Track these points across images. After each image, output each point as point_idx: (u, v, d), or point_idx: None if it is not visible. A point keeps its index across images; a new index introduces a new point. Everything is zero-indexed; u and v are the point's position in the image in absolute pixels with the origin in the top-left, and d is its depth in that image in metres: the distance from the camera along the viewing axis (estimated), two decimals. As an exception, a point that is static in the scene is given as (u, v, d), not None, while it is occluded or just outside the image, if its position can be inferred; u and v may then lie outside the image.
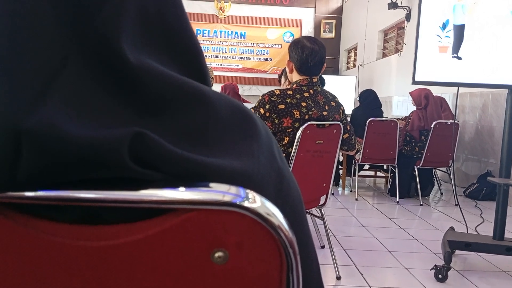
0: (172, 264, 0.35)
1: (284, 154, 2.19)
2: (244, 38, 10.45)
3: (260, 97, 2.20)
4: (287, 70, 2.26)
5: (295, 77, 2.24)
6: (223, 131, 0.41)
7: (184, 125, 0.39)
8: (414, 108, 4.41)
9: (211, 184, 0.35)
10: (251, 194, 0.36)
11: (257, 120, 0.45)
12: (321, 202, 2.48)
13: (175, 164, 0.36)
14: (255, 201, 0.35)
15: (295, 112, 2.14)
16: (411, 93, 4.46)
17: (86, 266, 0.35)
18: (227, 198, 0.34)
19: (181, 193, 0.34)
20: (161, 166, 0.36)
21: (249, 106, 6.35)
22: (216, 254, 0.35)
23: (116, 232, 0.36)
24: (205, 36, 10.41)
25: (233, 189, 0.35)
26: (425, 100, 4.31)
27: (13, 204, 0.35)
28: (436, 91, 4.48)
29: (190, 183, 0.35)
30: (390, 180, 4.71)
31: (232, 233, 0.35)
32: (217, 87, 8.36)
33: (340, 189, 4.91)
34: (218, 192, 0.35)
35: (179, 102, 0.39)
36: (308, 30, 10.45)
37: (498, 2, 2.42)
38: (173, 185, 0.35)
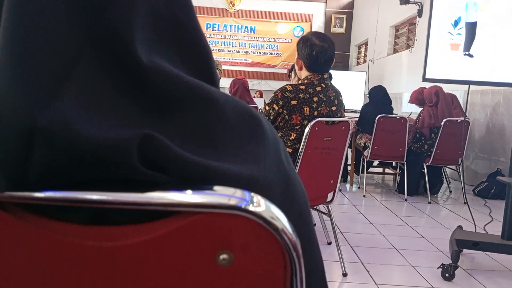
0: (178, 265, 0.36)
1: (291, 150, 2.20)
2: (254, 32, 10.43)
3: (273, 94, 2.20)
4: (296, 67, 2.26)
5: (304, 74, 2.23)
6: (231, 134, 0.41)
7: (192, 127, 0.40)
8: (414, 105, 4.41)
9: (217, 188, 0.36)
10: (256, 197, 0.36)
11: (265, 123, 0.45)
12: (329, 199, 2.48)
13: (183, 167, 0.37)
14: (260, 205, 0.35)
15: (305, 108, 2.14)
16: (412, 94, 4.47)
17: (96, 266, 0.36)
18: (232, 201, 0.35)
19: (188, 196, 0.35)
20: (169, 168, 0.36)
21: (260, 101, 6.33)
22: (221, 256, 0.35)
23: (124, 233, 0.36)
24: (215, 30, 10.40)
25: (238, 192, 0.36)
26: (435, 97, 4.27)
27: (23, 204, 0.36)
28: (447, 88, 4.44)
29: (196, 186, 0.36)
30: (399, 177, 4.69)
31: (237, 236, 0.36)
32: (226, 81, 8.37)
33: (348, 185, 4.90)
34: (224, 195, 0.35)
35: (188, 103, 0.40)
36: (318, 24, 10.39)
37: (512, 0, 2.39)
38: (180, 188, 0.35)
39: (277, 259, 0.36)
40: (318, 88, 2.18)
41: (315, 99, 2.16)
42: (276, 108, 2.14)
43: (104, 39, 0.38)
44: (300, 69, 2.24)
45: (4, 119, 0.34)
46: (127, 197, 0.34)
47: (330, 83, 2.28)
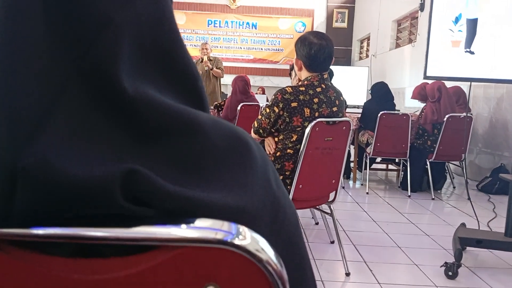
0: (165, 298, 0.36)
1: (292, 151, 2.19)
2: (256, 29, 10.40)
3: (273, 96, 2.19)
4: (296, 68, 2.25)
5: (304, 74, 2.22)
6: (217, 162, 0.41)
7: (178, 156, 0.39)
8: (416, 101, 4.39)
9: (202, 221, 0.36)
10: (242, 229, 0.36)
11: (253, 146, 0.45)
12: (331, 199, 2.48)
13: (167, 200, 0.36)
14: (246, 237, 0.35)
15: (305, 110, 2.14)
16: (415, 89, 4.45)
17: (81, 300, 0.36)
18: (218, 235, 0.35)
19: (173, 231, 0.35)
20: (153, 202, 0.36)
21: (262, 97, 6.31)
22: (208, 288, 0.35)
23: (110, 266, 0.36)
24: (216, 27, 10.38)
25: (225, 225, 0.36)
26: (438, 92, 4.25)
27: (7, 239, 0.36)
28: (451, 83, 4.42)
29: (181, 220, 0.36)
30: (402, 173, 4.68)
31: (223, 268, 0.36)
32: (228, 78, 8.35)
33: (351, 182, 4.89)
34: (210, 229, 0.35)
35: (174, 131, 0.40)
36: (320, 19, 10.35)
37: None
38: (165, 222, 0.35)
39: (264, 289, 0.36)
40: (319, 89, 2.17)
41: (316, 100, 2.15)
42: (277, 110, 2.14)
43: (89, 71, 0.37)
44: (300, 69, 2.22)
45: None
46: (110, 232, 0.34)
47: (331, 83, 2.27)
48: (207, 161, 0.41)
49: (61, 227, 0.34)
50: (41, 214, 0.35)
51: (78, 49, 0.37)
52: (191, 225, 0.35)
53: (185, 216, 0.36)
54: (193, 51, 9.75)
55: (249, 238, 0.35)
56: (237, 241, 0.35)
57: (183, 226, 0.35)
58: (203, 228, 0.35)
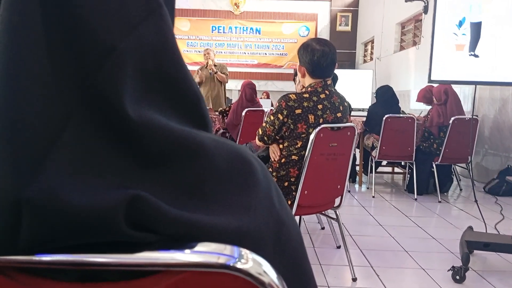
0: (169, 321, 0.36)
1: (297, 157, 2.20)
2: (259, 34, 10.43)
3: (277, 103, 2.20)
4: (299, 75, 2.25)
5: (307, 81, 2.22)
6: (221, 184, 0.42)
7: (182, 179, 0.40)
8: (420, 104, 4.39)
9: (205, 246, 0.36)
10: (245, 252, 0.36)
11: (256, 165, 0.45)
12: (336, 204, 2.48)
13: (171, 225, 0.37)
14: (248, 261, 0.36)
15: (310, 117, 2.14)
16: (420, 92, 4.45)
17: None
18: (220, 260, 0.35)
19: (176, 256, 0.35)
20: (157, 228, 0.37)
21: (267, 102, 6.32)
22: (211, 311, 0.36)
23: (115, 290, 0.37)
24: (220, 33, 10.42)
25: (227, 249, 0.36)
26: (444, 95, 4.24)
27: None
28: (454, 86, 4.40)
29: (184, 245, 0.36)
30: (408, 176, 4.66)
31: (225, 292, 0.36)
32: (232, 83, 8.37)
33: (357, 186, 4.88)
34: (212, 253, 0.36)
35: (177, 155, 0.40)
36: (324, 24, 10.36)
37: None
38: (168, 247, 0.36)
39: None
40: (322, 95, 2.18)
41: (320, 106, 2.16)
42: (281, 117, 2.14)
43: (93, 100, 0.38)
44: (303, 76, 2.23)
45: None
46: (114, 258, 0.35)
47: (334, 89, 2.27)
48: (210, 184, 0.41)
49: (66, 253, 0.35)
50: (47, 243, 0.35)
51: (82, 78, 0.38)
52: (194, 249, 0.36)
53: (188, 241, 0.37)
54: (197, 57, 9.78)
55: (251, 261, 0.36)
56: (239, 265, 0.35)
57: (186, 251, 0.36)
58: (205, 253, 0.36)
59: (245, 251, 0.36)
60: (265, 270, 0.36)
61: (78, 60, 0.38)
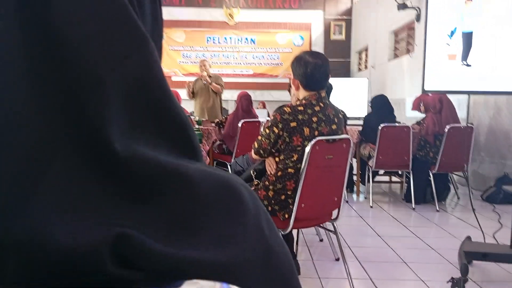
0: None
1: (293, 170, 2.19)
2: (254, 44, 10.47)
3: (272, 117, 2.20)
4: (293, 87, 2.25)
5: (302, 94, 2.22)
6: (208, 217, 0.41)
7: (168, 214, 0.39)
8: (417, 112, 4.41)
9: (192, 284, 0.35)
10: (233, 290, 0.35)
11: (245, 194, 0.45)
12: (334, 216, 2.46)
13: (158, 262, 0.36)
14: (235, 300, 0.35)
15: (305, 129, 2.14)
16: (414, 101, 4.47)
17: None
18: (207, 301, 0.34)
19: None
20: (143, 265, 0.36)
21: (263, 112, 6.34)
22: None
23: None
24: (215, 43, 10.45)
25: (216, 287, 0.35)
26: (439, 104, 4.25)
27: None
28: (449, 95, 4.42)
29: (171, 283, 0.35)
30: (406, 185, 4.65)
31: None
32: (228, 94, 8.38)
33: (354, 196, 4.87)
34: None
35: (164, 190, 0.39)
36: (318, 32, 10.41)
37: (508, 8, 2.37)
38: (155, 285, 0.35)
39: None
40: (317, 108, 2.18)
41: (315, 119, 2.15)
42: (276, 131, 2.14)
43: (79, 135, 0.37)
44: (297, 89, 2.23)
45: None
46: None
47: (329, 101, 2.27)
48: (197, 218, 0.41)
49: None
50: (33, 284, 0.34)
51: (69, 112, 0.37)
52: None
53: (176, 277, 0.36)
54: (193, 68, 9.80)
55: (238, 301, 0.35)
56: (226, 307, 0.34)
57: (172, 292, 0.35)
58: (192, 295, 0.35)
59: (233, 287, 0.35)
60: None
61: (65, 94, 0.37)
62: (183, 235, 0.39)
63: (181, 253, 0.37)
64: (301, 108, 2.16)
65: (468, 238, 2.73)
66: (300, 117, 2.14)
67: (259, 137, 2.26)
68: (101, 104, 0.38)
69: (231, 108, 8.42)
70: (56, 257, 0.33)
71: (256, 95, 9.84)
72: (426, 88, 2.54)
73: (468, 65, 2.45)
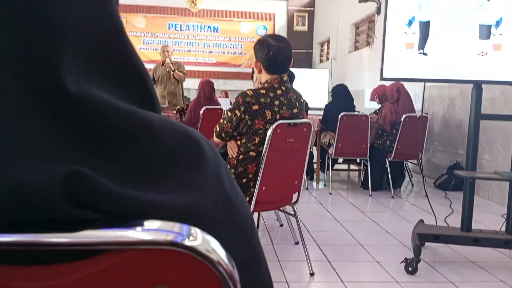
0: (114, 303, 0.35)
1: (254, 153, 2.20)
2: (217, 32, 10.38)
3: (234, 100, 2.20)
4: (255, 71, 2.26)
5: (264, 77, 2.23)
6: (168, 163, 0.41)
7: (126, 158, 0.39)
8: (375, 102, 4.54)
9: (152, 223, 0.35)
10: (194, 230, 0.35)
11: (205, 146, 0.45)
12: (294, 200, 2.50)
13: (113, 202, 0.35)
14: (197, 239, 0.35)
15: (267, 113, 2.15)
16: (373, 91, 4.59)
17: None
18: (169, 237, 0.34)
19: (120, 233, 0.34)
20: (98, 204, 0.35)
21: (226, 101, 6.33)
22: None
23: (54, 273, 0.35)
24: (177, 30, 10.29)
25: (176, 227, 0.35)
26: (397, 93, 4.38)
27: None
28: (405, 84, 4.56)
29: (129, 223, 0.35)
30: (363, 173, 4.78)
31: (173, 270, 0.35)
32: (190, 82, 8.27)
33: (314, 183, 4.95)
34: (159, 231, 0.34)
35: (122, 133, 0.39)
36: (281, 23, 10.45)
37: (462, -1, 2.47)
38: (111, 225, 0.34)
39: (215, 290, 0.35)
40: (279, 91, 2.19)
41: (276, 102, 2.17)
42: (238, 114, 2.14)
43: (32, 72, 0.36)
44: (260, 72, 2.24)
45: None
46: (52, 237, 0.33)
47: (291, 85, 2.29)
48: (157, 163, 0.40)
49: (3, 233, 0.33)
50: None
51: (19, 50, 0.36)
52: (140, 227, 0.35)
53: (134, 219, 0.35)
54: (154, 55, 9.61)
55: (200, 239, 0.35)
56: (187, 242, 0.34)
57: (132, 228, 0.34)
58: (152, 230, 0.34)
59: (194, 229, 0.36)
60: (214, 247, 0.35)
61: (17, 32, 0.36)
62: (141, 179, 0.38)
63: (139, 195, 0.37)
64: (263, 91, 2.17)
65: (421, 221, 2.84)
66: (262, 100, 2.15)
67: (221, 120, 2.25)
68: (57, 46, 0.37)
69: (192, 96, 8.32)
70: (4, 190, 0.32)
71: (218, 84, 9.77)
72: (384, 76, 2.60)
73: (425, 54, 2.53)
